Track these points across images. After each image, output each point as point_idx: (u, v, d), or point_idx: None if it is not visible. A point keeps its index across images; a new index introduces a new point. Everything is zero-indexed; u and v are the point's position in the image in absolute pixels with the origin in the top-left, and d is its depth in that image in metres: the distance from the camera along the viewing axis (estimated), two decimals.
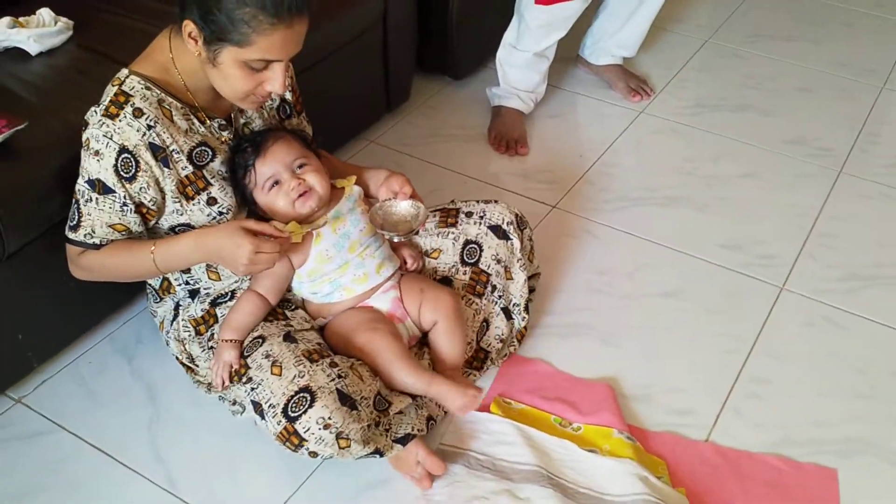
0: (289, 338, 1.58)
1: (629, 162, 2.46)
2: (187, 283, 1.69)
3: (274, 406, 1.47)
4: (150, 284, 1.74)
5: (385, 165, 2.35)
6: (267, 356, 1.54)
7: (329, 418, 1.44)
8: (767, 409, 1.75)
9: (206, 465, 1.63)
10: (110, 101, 1.51)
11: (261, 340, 1.59)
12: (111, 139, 1.49)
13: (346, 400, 1.48)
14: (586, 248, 2.15)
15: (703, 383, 1.81)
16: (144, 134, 1.50)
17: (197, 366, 1.70)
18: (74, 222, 1.54)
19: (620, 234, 2.19)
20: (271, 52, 1.44)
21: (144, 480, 1.61)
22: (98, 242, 1.55)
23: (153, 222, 1.58)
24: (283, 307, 1.69)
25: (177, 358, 1.73)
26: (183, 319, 1.70)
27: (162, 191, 1.56)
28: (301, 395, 1.46)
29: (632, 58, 2.77)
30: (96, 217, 1.53)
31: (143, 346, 1.86)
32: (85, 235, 1.54)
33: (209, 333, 1.68)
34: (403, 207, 1.70)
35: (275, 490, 1.59)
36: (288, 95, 1.76)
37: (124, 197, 1.52)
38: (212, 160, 1.60)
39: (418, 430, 1.61)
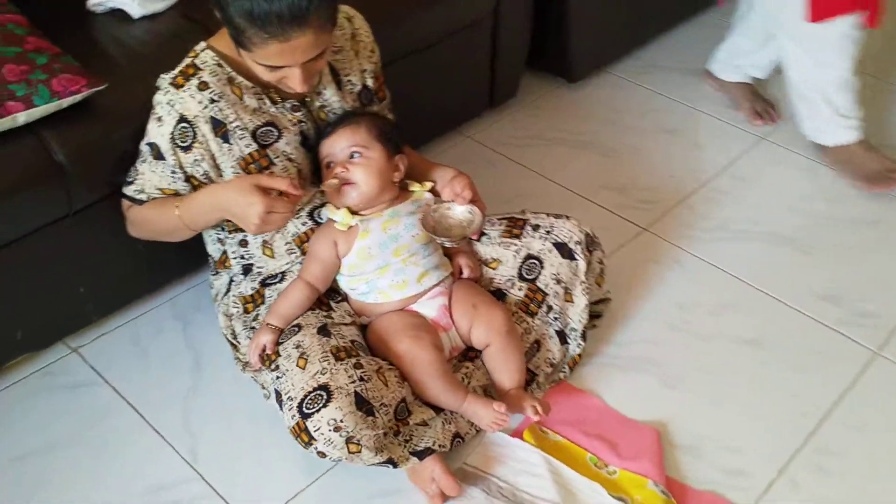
0: (323, 331, 1.55)
1: (738, 190, 2.28)
2: (242, 257, 1.69)
3: (292, 399, 1.45)
4: (210, 256, 1.76)
5: (476, 163, 2.33)
6: (297, 346, 1.52)
7: (340, 421, 1.41)
8: (830, 485, 1.58)
9: (230, 444, 1.64)
10: (180, 71, 1.53)
11: (297, 329, 1.57)
12: (173, 107, 1.51)
13: (363, 404, 1.44)
14: (670, 278, 2.01)
15: (764, 445, 1.65)
16: (206, 107, 1.51)
17: (239, 343, 1.71)
18: (131, 179, 1.59)
19: (710, 268, 2.04)
20: (272, 61, 1.43)
21: (170, 449, 1.63)
22: (144, 199, 1.58)
23: None
24: (328, 296, 1.67)
25: (223, 333, 1.74)
26: (233, 295, 1.70)
27: (218, 167, 1.56)
28: (318, 392, 1.43)
29: (764, 80, 2.57)
30: (148, 178, 1.57)
31: (201, 315, 1.88)
32: (135, 192, 1.59)
33: (255, 314, 1.68)
34: (459, 212, 1.64)
35: (290, 480, 1.58)
36: (370, 82, 1.73)
37: (174, 165, 1.54)
38: (277, 140, 1.59)
39: (440, 445, 1.55)
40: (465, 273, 1.72)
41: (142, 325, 1.87)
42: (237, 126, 1.54)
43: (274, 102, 1.59)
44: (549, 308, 1.73)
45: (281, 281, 1.68)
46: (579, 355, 1.76)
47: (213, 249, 1.74)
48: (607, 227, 2.14)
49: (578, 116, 2.54)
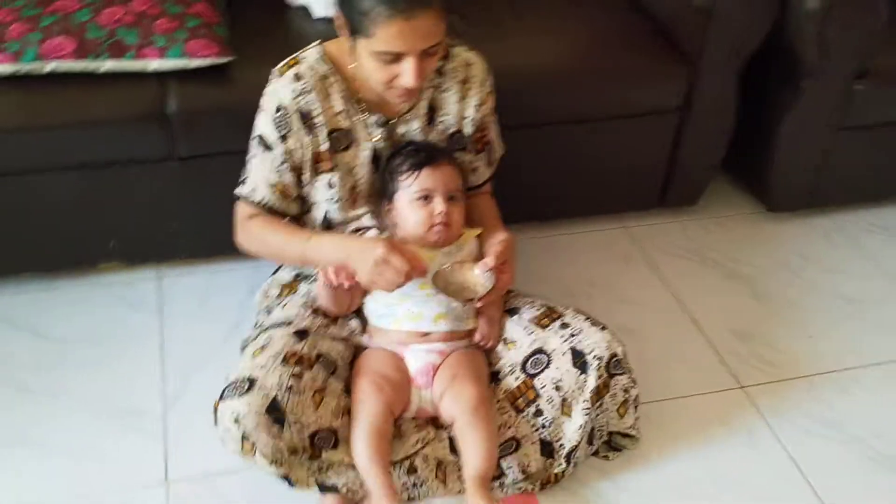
0: (302, 334, 1.58)
1: (889, 393, 1.88)
2: None
3: (227, 379, 1.50)
4: None
5: (614, 255, 2.20)
6: (269, 337, 1.56)
7: (242, 416, 1.42)
8: None
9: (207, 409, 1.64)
10: (286, 62, 1.62)
11: (286, 324, 1.61)
12: (273, 95, 1.60)
13: (275, 411, 1.44)
14: (729, 450, 1.73)
15: None
16: (296, 97, 1.58)
17: (258, 321, 1.77)
18: (243, 177, 1.65)
19: (786, 462, 1.71)
20: (392, 45, 1.44)
21: (158, 389, 1.77)
22: (258, 200, 1.62)
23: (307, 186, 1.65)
24: None
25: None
26: (278, 278, 1.78)
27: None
28: (244, 382, 1.46)
29: None
30: (258, 173, 1.62)
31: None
32: (249, 191, 1.63)
33: (284, 301, 1.72)
34: (475, 275, 1.57)
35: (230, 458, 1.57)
36: (468, 129, 1.71)
37: (282, 155, 1.60)
38: (346, 149, 1.63)
39: (348, 489, 1.51)
40: (476, 337, 1.65)
41: (217, 278, 2.03)
42: (319, 121, 1.60)
43: (360, 111, 1.63)
44: (539, 412, 1.59)
45: (314, 281, 1.73)
46: (557, 475, 1.60)
47: None
48: (702, 369, 1.91)
49: (756, 249, 2.27)
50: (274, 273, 1.81)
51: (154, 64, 1.77)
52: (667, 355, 1.93)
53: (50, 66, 1.72)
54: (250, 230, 1.66)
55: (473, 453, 1.54)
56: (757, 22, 2.01)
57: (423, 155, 1.61)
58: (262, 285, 1.82)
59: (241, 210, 1.67)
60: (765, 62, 2.13)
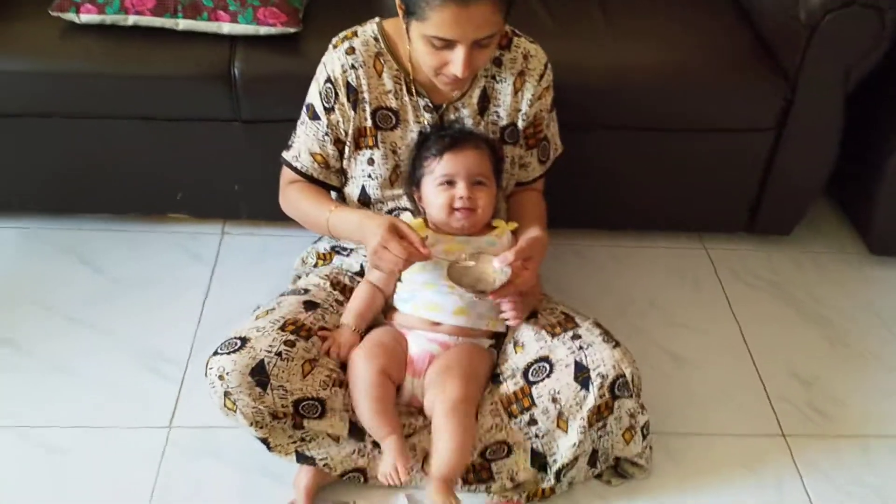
0: (311, 305, 1.59)
1: None
2: None
3: (228, 335, 1.52)
4: None
5: (684, 276, 2.07)
6: (279, 303, 1.60)
7: (227, 373, 1.45)
8: None
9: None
10: (344, 34, 1.63)
11: (303, 292, 1.64)
12: (325, 66, 1.61)
13: (259, 374, 1.45)
14: (754, 501, 1.59)
15: None
16: (346, 71, 1.58)
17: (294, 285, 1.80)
18: (291, 142, 1.68)
19: None
20: (445, 31, 1.41)
21: (190, 338, 1.83)
22: (299, 168, 1.65)
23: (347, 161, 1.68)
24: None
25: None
26: (316, 247, 1.81)
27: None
28: (237, 340, 1.48)
29: None
30: (303, 141, 1.65)
31: None
32: (292, 157, 1.66)
33: (317, 271, 1.75)
34: (493, 269, 1.52)
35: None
36: (521, 123, 1.66)
37: (326, 126, 1.62)
38: (392, 129, 1.62)
39: (326, 464, 1.51)
40: (508, 312, 1.59)
41: (274, 242, 2.08)
42: (364, 98, 1.59)
43: (409, 93, 1.61)
44: (533, 420, 1.52)
45: (349, 255, 1.75)
46: (545, 490, 1.53)
47: None
48: (746, 409, 1.78)
49: (846, 292, 2.06)
50: (315, 242, 1.84)
51: (226, 27, 1.83)
52: (712, 388, 1.80)
53: (132, 20, 1.82)
54: (289, 195, 1.69)
55: (442, 453, 1.48)
56: (867, 43, 1.81)
57: (447, 140, 1.58)
58: (302, 253, 1.86)
59: (284, 174, 1.70)
60: (882, 87, 1.93)
